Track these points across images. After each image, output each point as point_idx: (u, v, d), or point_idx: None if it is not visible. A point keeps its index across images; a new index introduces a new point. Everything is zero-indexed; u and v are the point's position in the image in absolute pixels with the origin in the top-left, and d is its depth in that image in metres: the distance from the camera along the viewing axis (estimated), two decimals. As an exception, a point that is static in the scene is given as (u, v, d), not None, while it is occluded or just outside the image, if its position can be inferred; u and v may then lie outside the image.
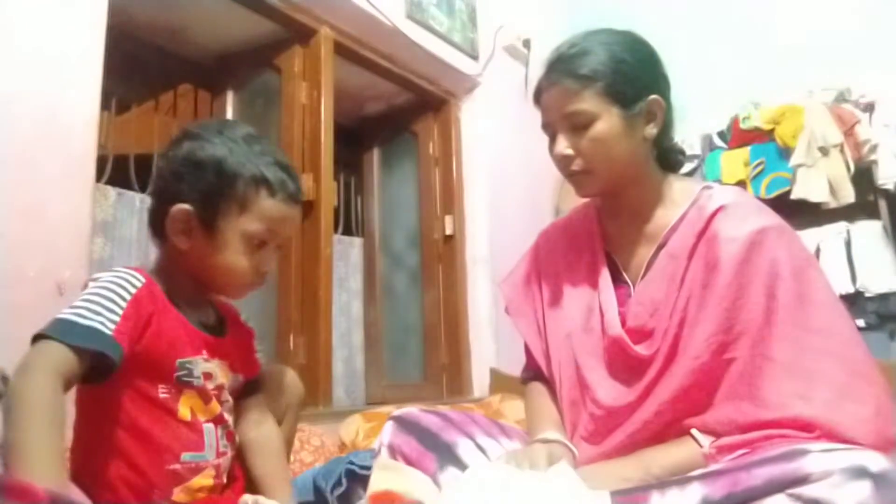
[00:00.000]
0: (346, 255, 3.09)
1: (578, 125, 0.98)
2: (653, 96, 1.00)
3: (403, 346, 3.05)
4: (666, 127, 1.03)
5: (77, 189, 1.56)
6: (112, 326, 0.82)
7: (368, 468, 1.38)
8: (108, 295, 0.85)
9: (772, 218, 0.98)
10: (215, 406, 0.94)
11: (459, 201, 3.02)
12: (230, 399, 0.99)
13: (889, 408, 0.85)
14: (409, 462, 1.01)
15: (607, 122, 0.97)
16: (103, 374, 0.82)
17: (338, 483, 1.40)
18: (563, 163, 1.01)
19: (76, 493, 0.77)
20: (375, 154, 3.27)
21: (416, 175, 3.11)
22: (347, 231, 3.19)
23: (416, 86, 2.94)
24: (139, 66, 2.40)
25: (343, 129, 2.81)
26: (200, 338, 0.94)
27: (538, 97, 1.05)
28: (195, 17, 2.35)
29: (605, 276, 1.06)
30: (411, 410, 1.07)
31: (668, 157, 1.08)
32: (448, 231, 2.98)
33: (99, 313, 0.82)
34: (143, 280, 0.90)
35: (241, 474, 1.02)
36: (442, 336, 2.93)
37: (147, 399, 0.88)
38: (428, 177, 3.07)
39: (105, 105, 1.74)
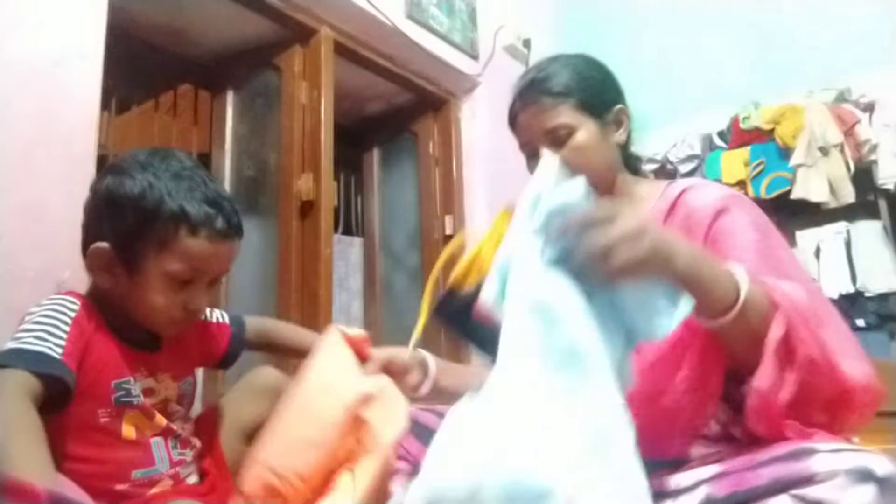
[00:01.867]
0: (346, 255, 3.10)
1: (559, 139, 1.06)
2: (619, 106, 1.10)
3: (403, 345, 3.05)
4: (629, 134, 1.13)
5: (77, 189, 1.55)
6: (60, 351, 0.80)
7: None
8: (49, 321, 0.83)
9: (732, 191, 1.05)
10: (160, 420, 0.92)
11: (459, 201, 3.01)
12: (180, 408, 0.97)
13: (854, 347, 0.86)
14: (409, 459, 1.03)
15: (585, 132, 1.06)
16: (52, 405, 0.80)
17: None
18: None
19: (73, 490, 0.77)
20: (375, 154, 3.27)
21: (416, 175, 3.11)
22: (347, 231, 3.19)
23: (416, 86, 2.93)
24: (139, 66, 2.40)
25: (343, 129, 2.81)
26: (136, 357, 0.92)
27: (513, 120, 1.12)
28: (195, 17, 2.34)
29: None
30: (409, 409, 1.09)
31: (630, 162, 1.17)
32: (448, 231, 2.98)
33: (44, 339, 0.81)
34: (79, 303, 0.89)
35: (215, 470, 1.01)
36: (442, 336, 2.93)
37: (88, 427, 0.86)
38: (428, 177, 3.06)
39: (105, 105, 1.74)
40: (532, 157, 1.10)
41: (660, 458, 0.87)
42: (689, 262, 0.75)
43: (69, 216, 1.52)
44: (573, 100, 1.05)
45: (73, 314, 0.86)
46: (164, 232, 0.87)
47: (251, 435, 1.05)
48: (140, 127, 2.48)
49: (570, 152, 1.04)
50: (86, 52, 1.61)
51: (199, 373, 1.15)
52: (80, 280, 1.52)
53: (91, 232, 0.92)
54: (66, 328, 0.84)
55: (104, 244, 0.89)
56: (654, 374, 0.91)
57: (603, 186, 1.08)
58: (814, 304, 0.85)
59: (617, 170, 1.11)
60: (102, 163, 2.08)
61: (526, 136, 1.10)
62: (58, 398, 0.81)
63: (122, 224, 0.88)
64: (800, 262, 1.00)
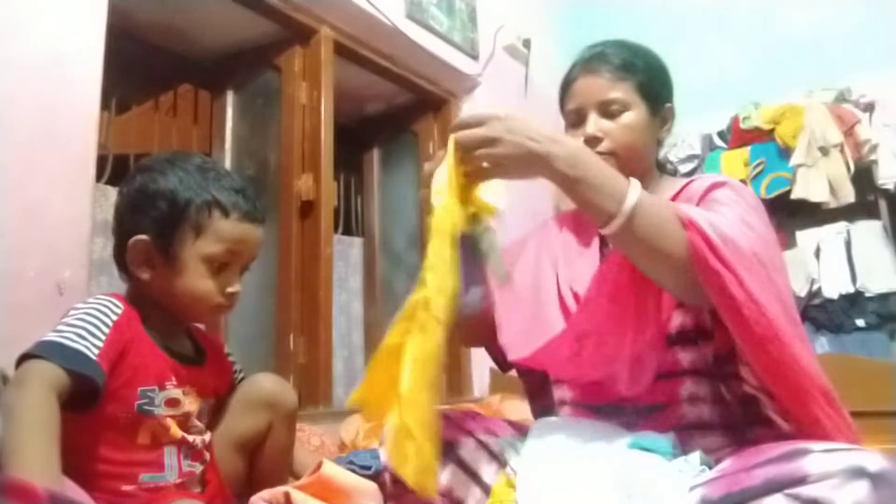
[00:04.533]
0: (346, 255, 3.09)
1: (611, 112, 1.07)
2: (669, 104, 1.12)
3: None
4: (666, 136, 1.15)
5: (77, 189, 1.56)
6: (96, 351, 0.83)
7: (368, 468, 1.38)
8: (91, 320, 0.86)
9: (735, 181, 1.04)
10: (176, 431, 0.93)
11: (459, 201, 3.01)
12: (198, 423, 0.98)
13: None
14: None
15: (637, 113, 1.07)
16: (80, 402, 0.82)
17: (338, 483, 1.39)
18: (590, 144, 1.07)
19: (74, 491, 0.77)
20: (375, 154, 3.27)
21: (416, 175, 3.11)
22: (347, 231, 3.19)
23: (416, 86, 2.93)
24: (139, 66, 2.40)
25: (343, 129, 2.80)
26: (169, 366, 0.94)
27: (568, 86, 1.13)
28: (195, 17, 2.34)
29: (592, 250, 1.15)
30: None
31: (660, 161, 1.18)
32: (448, 231, 2.97)
33: (84, 337, 0.83)
34: (122, 307, 0.91)
35: (215, 480, 1.01)
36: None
37: (107, 427, 0.87)
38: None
39: (105, 105, 1.74)
40: (576, 126, 1.10)
41: (632, 405, 0.96)
42: (571, 162, 0.85)
43: (69, 216, 1.53)
44: (634, 80, 1.07)
45: (115, 317, 0.89)
46: (198, 217, 0.94)
47: (247, 448, 1.05)
48: (140, 127, 2.48)
49: (618, 128, 1.06)
50: (86, 52, 1.61)
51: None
52: (80, 280, 1.53)
53: (126, 229, 0.96)
54: (107, 330, 0.86)
55: (143, 237, 0.93)
56: (594, 317, 0.96)
57: (631, 173, 1.08)
58: (754, 249, 0.86)
59: (649, 163, 1.13)
60: (102, 163, 2.09)
61: (577, 102, 1.10)
62: (87, 397, 0.83)
63: (158, 215, 0.93)
64: (768, 233, 0.98)
